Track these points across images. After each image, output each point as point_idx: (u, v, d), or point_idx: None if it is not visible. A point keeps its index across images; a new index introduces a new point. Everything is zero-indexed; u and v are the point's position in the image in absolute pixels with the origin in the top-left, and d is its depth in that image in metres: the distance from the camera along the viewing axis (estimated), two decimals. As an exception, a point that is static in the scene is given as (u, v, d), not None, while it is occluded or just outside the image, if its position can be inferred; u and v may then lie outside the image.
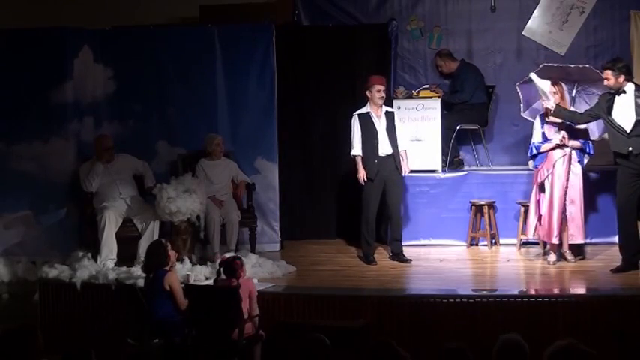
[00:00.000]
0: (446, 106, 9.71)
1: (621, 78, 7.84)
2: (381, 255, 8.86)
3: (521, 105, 8.67)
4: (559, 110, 8.15)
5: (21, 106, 9.20)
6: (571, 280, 7.94)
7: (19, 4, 10.19)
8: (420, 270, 8.44)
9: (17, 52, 9.22)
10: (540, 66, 8.49)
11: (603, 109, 7.98)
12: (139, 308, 7.06)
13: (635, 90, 7.88)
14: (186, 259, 8.23)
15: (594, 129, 8.46)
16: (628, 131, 7.85)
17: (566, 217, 8.24)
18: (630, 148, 7.86)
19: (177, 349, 6.55)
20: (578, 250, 8.45)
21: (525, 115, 8.72)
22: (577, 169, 8.32)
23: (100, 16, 9.94)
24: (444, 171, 9.52)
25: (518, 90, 8.63)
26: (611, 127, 7.95)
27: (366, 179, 8.52)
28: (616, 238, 8.76)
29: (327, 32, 9.84)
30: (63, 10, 10.04)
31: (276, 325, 6.86)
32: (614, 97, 7.92)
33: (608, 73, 7.87)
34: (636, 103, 7.81)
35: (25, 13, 10.13)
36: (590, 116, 8.15)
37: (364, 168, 8.51)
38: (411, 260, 8.58)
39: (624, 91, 7.88)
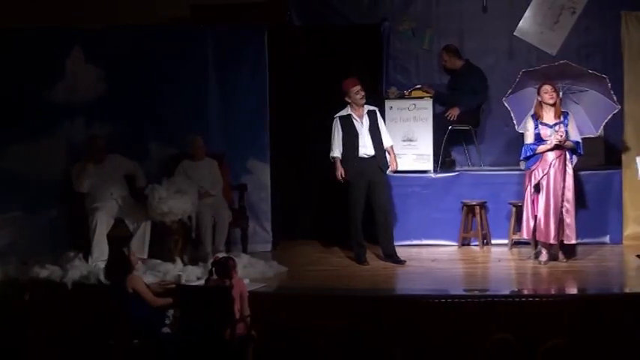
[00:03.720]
0: (440, 102, 9.72)
1: None
2: (374, 255, 8.84)
3: (514, 121, 8.64)
4: None
5: (12, 106, 9.17)
6: (562, 281, 7.95)
7: (9, 4, 10.14)
8: (411, 270, 8.43)
9: (8, 52, 9.19)
10: (520, 74, 8.49)
11: None
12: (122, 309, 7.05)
13: None
14: (178, 260, 8.22)
15: (587, 127, 8.50)
16: None
17: (562, 217, 8.26)
18: None
19: (156, 348, 6.56)
20: (569, 250, 8.47)
21: (506, 101, 8.66)
22: (571, 170, 8.35)
23: (92, 16, 9.90)
24: (435, 171, 9.52)
25: (506, 104, 8.63)
26: None
27: (344, 176, 8.53)
28: (606, 238, 9.08)
29: (320, 33, 9.84)
30: (54, 10, 10.00)
31: (268, 326, 6.85)
32: None
33: None
34: None
35: (16, 13, 10.09)
36: None
37: (346, 170, 8.54)
38: (405, 262, 8.57)
39: None
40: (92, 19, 9.73)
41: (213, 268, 6.86)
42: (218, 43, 9.40)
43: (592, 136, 8.64)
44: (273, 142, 9.48)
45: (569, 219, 8.30)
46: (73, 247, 8.59)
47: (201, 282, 7.35)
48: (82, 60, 9.33)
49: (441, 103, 9.77)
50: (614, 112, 8.48)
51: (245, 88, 9.40)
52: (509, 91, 8.57)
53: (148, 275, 7.76)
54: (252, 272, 8.03)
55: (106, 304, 7.00)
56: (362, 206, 8.59)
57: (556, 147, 8.25)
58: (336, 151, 8.60)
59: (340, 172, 8.55)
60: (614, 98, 8.44)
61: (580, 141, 8.35)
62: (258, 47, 9.35)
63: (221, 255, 7.46)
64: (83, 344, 6.82)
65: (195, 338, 6.60)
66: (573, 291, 7.77)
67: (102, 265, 8.11)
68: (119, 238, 8.24)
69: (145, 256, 8.37)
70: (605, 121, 8.55)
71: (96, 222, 8.43)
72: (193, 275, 7.89)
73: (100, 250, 8.34)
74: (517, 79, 8.48)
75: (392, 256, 8.66)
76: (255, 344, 6.70)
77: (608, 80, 8.39)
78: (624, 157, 8.99)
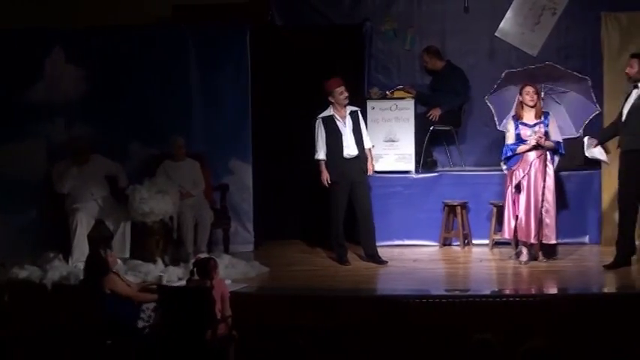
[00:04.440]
0: (421, 102, 9.74)
1: (636, 71, 7.95)
2: (355, 256, 8.84)
3: (495, 119, 8.69)
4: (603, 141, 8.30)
5: (-9, 106, 9.14)
6: (543, 280, 7.99)
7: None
8: (393, 270, 8.43)
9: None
10: (503, 74, 8.54)
11: (621, 105, 8.11)
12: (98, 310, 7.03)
13: None
14: (159, 260, 8.21)
15: (568, 127, 8.57)
16: (622, 124, 8.00)
17: (542, 217, 8.29)
18: (621, 145, 8.03)
19: (136, 349, 6.55)
20: (549, 250, 8.50)
21: (488, 100, 8.70)
22: (551, 170, 8.38)
23: (72, 16, 9.85)
24: (417, 171, 9.55)
25: (489, 103, 8.67)
26: (618, 120, 8.08)
27: (330, 181, 8.54)
28: (586, 239, 9.15)
29: (302, 33, 9.82)
30: (35, 10, 9.94)
31: (250, 326, 6.85)
32: (631, 91, 8.02)
33: (635, 61, 7.98)
34: (635, 97, 7.94)
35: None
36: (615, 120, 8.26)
37: (329, 170, 8.53)
38: (387, 262, 8.58)
39: (637, 86, 7.98)
40: (73, 20, 9.70)
41: (194, 269, 6.84)
42: (200, 43, 9.38)
43: (573, 136, 8.66)
44: (255, 142, 9.47)
45: (548, 219, 8.32)
46: (52, 247, 8.55)
47: (183, 282, 7.32)
48: (63, 60, 9.30)
49: (423, 103, 9.79)
50: (595, 114, 8.54)
51: (227, 88, 9.39)
52: (492, 90, 8.61)
53: (129, 276, 7.74)
54: (233, 273, 8.02)
55: (84, 304, 6.96)
56: (344, 207, 8.60)
57: (536, 147, 8.29)
58: (321, 154, 8.60)
59: (326, 176, 8.55)
60: (594, 100, 8.50)
61: (561, 141, 8.39)
62: (241, 47, 9.34)
63: (202, 255, 7.48)
64: (63, 345, 6.78)
65: (176, 339, 6.58)
66: (553, 291, 7.80)
67: (82, 265, 8.11)
68: (100, 239, 8.20)
69: (127, 256, 8.33)
70: (586, 122, 8.60)
71: (76, 223, 8.40)
72: (174, 276, 7.87)
73: (81, 251, 8.29)
74: (500, 79, 8.52)
75: (374, 257, 8.66)
76: (237, 345, 6.71)
77: (589, 82, 8.45)
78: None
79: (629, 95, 8.07)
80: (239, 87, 9.36)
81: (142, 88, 9.32)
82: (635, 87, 8.00)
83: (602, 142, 8.34)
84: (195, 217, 8.65)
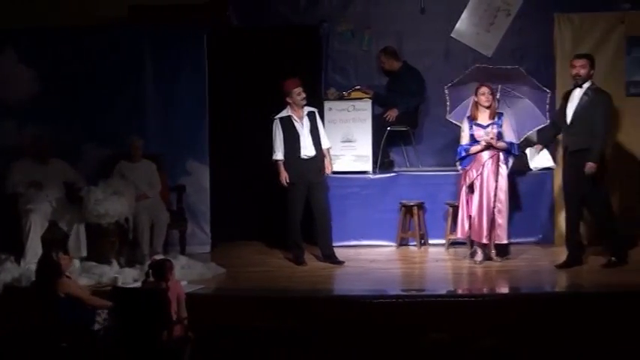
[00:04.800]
0: (378, 102, 9.77)
1: (592, 71, 8.05)
2: (312, 256, 8.85)
3: (447, 108, 8.75)
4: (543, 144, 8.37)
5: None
6: (497, 280, 8.06)
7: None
8: (350, 271, 8.45)
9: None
10: (472, 67, 8.60)
11: (562, 105, 8.17)
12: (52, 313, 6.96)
13: (588, 88, 8.05)
14: (114, 262, 8.15)
15: (529, 123, 8.61)
16: (567, 125, 8.06)
17: (494, 217, 8.34)
18: (567, 145, 8.07)
19: (91, 351, 6.51)
20: (503, 250, 8.57)
21: (450, 117, 8.81)
22: (504, 170, 8.43)
23: (25, 16, 9.74)
24: (374, 172, 9.56)
25: (447, 93, 8.71)
26: (562, 122, 8.14)
27: (288, 182, 8.54)
28: (539, 238, 9.26)
29: (259, 34, 9.80)
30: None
31: (206, 327, 6.82)
32: (571, 91, 8.11)
33: (581, 61, 8.05)
34: (582, 100, 7.99)
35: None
36: (557, 122, 8.33)
37: (287, 171, 8.54)
38: (343, 262, 8.60)
39: (581, 86, 8.05)
40: (26, 20, 9.58)
41: (150, 271, 6.80)
42: (156, 44, 9.35)
43: (543, 125, 8.65)
44: (213, 143, 9.45)
45: (500, 219, 8.38)
46: (4, 249, 8.44)
47: (138, 284, 7.27)
48: (15, 60, 9.21)
49: (380, 104, 9.82)
50: (541, 126, 8.60)
51: (184, 89, 9.36)
52: (448, 108, 8.72)
53: (83, 277, 7.69)
54: (190, 274, 7.99)
55: (37, 307, 6.90)
56: (301, 207, 8.61)
57: (488, 147, 8.35)
58: (279, 154, 8.59)
59: (284, 176, 8.55)
60: (547, 112, 8.53)
61: (514, 142, 8.45)
62: (198, 48, 9.33)
63: (158, 257, 7.41)
64: (16, 347, 6.71)
65: (132, 341, 6.56)
66: (506, 290, 7.86)
67: (34, 267, 8.03)
68: (53, 241, 8.11)
69: (84, 254, 8.26)
70: (530, 132, 8.70)
71: (30, 224, 8.31)
72: (130, 277, 7.83)
73: (34, 253, 8.17)
74: (467, 71, 8.60)
75: (330, 257, 8.68)
76: (193, 346, 6.67)
77: (549, 95, 8.53)
78: (557, 158, 8.95)
79: (568, 94, 8.13)
80: (196, 88, 9.34)
81: (96, 89, 9.25)
82: (578, 87, 8.07)
83: (546, 145, 8.40)
84: (152, 218, 8.60)
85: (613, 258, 8.15)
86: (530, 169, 8.61)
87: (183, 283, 7.28)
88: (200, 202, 9.38)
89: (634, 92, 9.19)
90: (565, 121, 8.12)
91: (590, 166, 7.93)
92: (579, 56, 8.21)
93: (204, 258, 8.80)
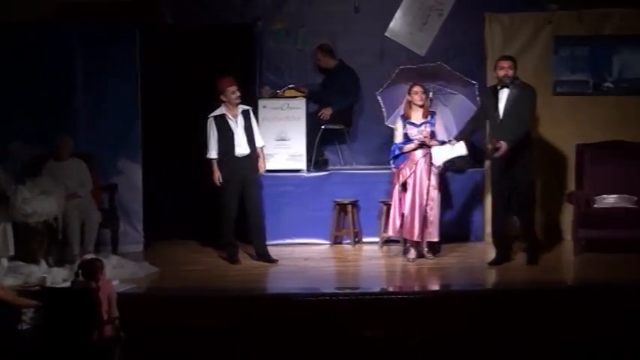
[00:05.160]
0: (313, 100, 9.78)
1: (515, 72, 8.12)
2: (246, 255, 8.83)
3: (384, 113, 8.77)
4: (463, 137, 8.38)
5: None
6: (429, 278, 8.12)
7: None
8: (284, 269, 8.46)
9: None
10: (397, 70, 8.65)
11: (490, 103, 8.21)
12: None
13: (516, 84, 8.13)
14: (42, 262, 8.03)
15: (452, 130, 8.65)
16: (500, 123, 8.11)
17: (426, 215, 8.40)
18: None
19: (19, 352, 6.43)
20: (435, 247, 8.64)
21: (389, 123, 8.84)
22: (436, 169, 8.47)
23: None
24: (308, 170, 9.57)
25: (379, 98, 8.77)
26: (491, 120, 8.20)
27: (221, 180, 8.51)
28: (470, 236, 9.36)
29: (193, 32, 9.75)
30: None
31: (138, 327, 6.75)
32: (498, 90, 8.16)
33: (510, 63, 8.11)
34: (511, 96, 8.06)
35: None
36: (480, 118, 8.39)
37: (220, 169, 8.51)
38: (277, 261, 8.60)
39: (507, 86, 8.12)
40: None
41: (79, 270, 6.70)
42: (87, 41, 9.24)
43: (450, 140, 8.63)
44: (146, 142, 9.39)
45: (432, 217, 8.44)
46: None
47: (67, 284, 7.18)
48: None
49: (315, 101, 9.81)
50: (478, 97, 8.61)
51: (116, 88, 9.28)
52: (384, 85, 8.70)
53: (10, 277, 7.57)
54: (122, 273, 7.93)
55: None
56: (235, 205, 8.58)
57: (421, 146, 8.41)
58: (213, 152, 8.55)
59: (217, 176, 8.52)
60: (477, 102, 8.59)
61: (446, 141, 8.48)
62: (130, 46, 9.27)
63: (89, 256, 7.34)
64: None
65: (61, 341, 6.47)
66: (438, 288, 7.95)
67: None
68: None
69: (11, 254, 8.10)
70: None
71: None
72: (59, 277, 7.71)
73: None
74: (393, 75, 8.62)
75: (264, 256, 8.67)
76: (124, 346, 6.61)
77: (477, 87, 8.60)
78: (486, 157, 9.13)
79: (495, 92, 8.16)
80: (129, 87, 9.28)
81: (25, 87, 9.09)
82: (506, 87, 8.13)
83: (462, 138, 8.38)
84: (82, 217, 8.50)
85: (529, 257, 8.28)
86: (461, 170, 8.75)
87: (115, 282, 7.17)
88: (133, 201, 9.31)
89: (560, 91, 9.35)
90: (496, 118, 8.19)
91: (501, 144, 7.92)
92: (507, 58, 8.28)
93: (136, 257, 8.74)
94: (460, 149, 8.28)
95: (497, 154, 8.00)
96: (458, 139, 8.32)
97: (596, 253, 8.54)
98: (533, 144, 8.28)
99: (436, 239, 8.54)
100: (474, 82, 8.63)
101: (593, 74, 9.33)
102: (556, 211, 9.24)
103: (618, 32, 9.26)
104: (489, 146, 8.23)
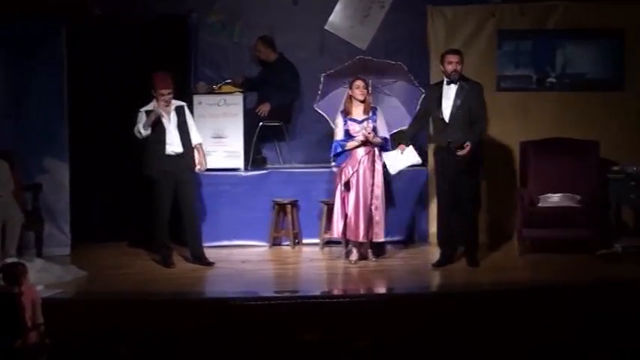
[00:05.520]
0: (249, 88, 9.65)
1: (461, 67, 8.05)
2: (181, 258, 8.68)
3: (330, 122, 8.68)
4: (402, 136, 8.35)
5: None
6: (372, 280, 8.10)
7: None
8: (220, 272, 8.33)
9: None
10: (322, 78, 8.59)
11: (434, 101, 8.12)
12: None
13: (462, 81, 8.06)
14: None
15: (403, 117, 8.62)
16: (447, 122, 8.04)
17: (372, 215, 8.32)
18: (450, 140, 8.02)
19: None
20: (379, 249, 8.60)
21: (317, 106, 8.74)
22: (379, 166, 8.41)
23: None
24: (246, 169, 9.46)
25: (319, 110, 8.71)
26: (437, 118, 8.11)
27: (152, 178, 8.34)
28: (414, 237, 9.33)
29: (124, 25, 9.54)
30: None
31: (64, 334, 6.59)
32: (442, 86, 8.08)
33: (457, 57, 8.05)
34: (458, 94, 8.00)
35: None
36: (424, 117, 8.30)
37: (152, 167, 8.33)
38: (213, 263, 8.48)
39: (453, 82, 8.04)
40: None
41: (1, 275, 6.55)
42: (9, 37, 8.97)
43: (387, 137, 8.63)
44: (74, 139, 9.16)
45: (377, 216, 8.36)
46: None
47: (-12, 290, 6.98)
48: None
49: (250, 89, 9.68)
50: (422, 97, 8.56)
51: (41, 84, 9.05)
52: (318, 97, 8.66)
53: None
54: (47, 277, 7.71)
55: None
56: (168, 206, 8.42)
57: (364, 143, 8.31)
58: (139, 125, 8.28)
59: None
60: (416, 84, 8.57)
61: (388, 137, 8.44)
62: (56, 40, 9.05)
63: (10, 260, 7.19)
64: None
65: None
66: (381, 290, 7.91)
67: None
68: None
69: None
70: (417, 107, 8.61)
71: None
72: (-22, 283, 7.41)
73: None
74: (321, 84, 8.59)
75: (200, 258, 8.52)
76: (50, 353, 6.45)
77: (404, 66, 8.54)
78: (430, 155, 9.03)
79: (439, 90, 8.11)
80: (54, 83, 9.05)
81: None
82: (452, 83, 8.07)
83: (411, 142, 8.33)
84: (3, 219, 8.15)
85: (469, 259, 8.24)
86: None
87: (40, 287, 7.02)
88: (59, 201, 9.06)
89: (504, 87, 9.30)
90: (441, 117, 8.09)
91: (467, 145, 7.90)
92: (454, 51, 8.21)
93: (63, 260, 8.54)
94: (413, 157, 8.24)
95: (461, 153, 7.93)
96: (405, 142, 8.24)
97: (541, 254, 8.55)
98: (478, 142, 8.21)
99: (382, 239, 8.48)
100: (399, 63, 8.57)
101: (537, 69, 9.30)
102: (503, 211, 9.21)
103: (562, 26, 9.26)
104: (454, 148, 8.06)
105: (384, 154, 8.30)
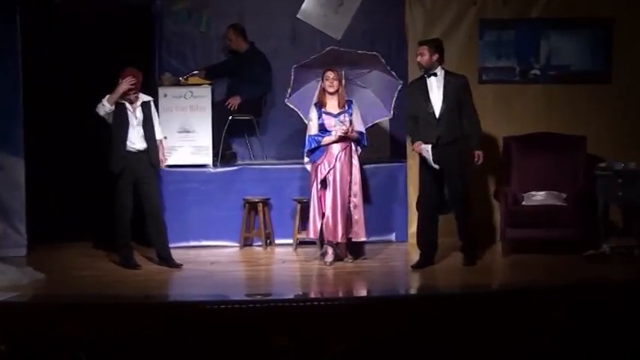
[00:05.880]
0: (212, 75, 9.45)
1: (435, 56, 7.86)
2: (146, 259, 8.45)
3: (302, 117, 8.49)
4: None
5: None
6: (348, 282, 7.93)
7: None
8: (189, 274, 8.14)
9: None
10: (292, 71, 8.40)
11: (420, 96, 7.92)
12: None
13: (447, 75, 7.90)
14: None
15: (380, 109, 8.46)
16: (437, 117, 7.87)
17: (350, 214, 8.17)
18: (439, 135, 7.85)
19: None
20: (356, 249, 8.43)
21: (288, 101, 8.55)
22: (357, 162, 8.27)
23: None
24: (215, 165, 9.28)
25: (291, 105, 8.53)
26: (427, 113, 7.91)
27: (114, 173, 8.09)
28: (392, 236, 9.14)
29: (84, 13, 9.22)
30: None
31: (21, 339, 6.24)
32: (425, 80, 7.91)
33: (424, 48, 7.90)
34: (445, 88, 7.84)
35: None
36: (416, 113, 8.04)
37: (113, 163, 8.10)
38: (181, 265, 8.27)
39: (435, 74, 7.88)
40: None
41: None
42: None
43: (387, 117, 8.61)
44: (31, 134, 8.91)
45: (357, 215, 8.23)
46: None
47: None
48: None
49: (214, 76, 9.46)
50: (399, 88, 8.41)
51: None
52: (289, 90, 8.50)
53: None
54: (1, 280, 7.52)
55: None
56: (130, 204, 8.20)
57: (342, 138, 8.13)
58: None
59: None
60: (394, 74, 8.40)
61: (364, 131, 8.33)
62: (9, 30, 8.79)
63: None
64: None
65: None
66: (359, 293, 7.81)
67: None
68: None
69: None
70: (395, 99, 8.46)
71: None
72: None
73: None
74: (292, 77, 8.42)
75: (167, 260, 8.30)
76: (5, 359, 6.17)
77: (380, 57, 8.36)
78: (409, 151, 8.89)
79: (423, 85, 7.91)
80: (7, 74, 8.80)
81: None
82: (430, 75, 7.88)
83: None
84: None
85: (466, 258, 8.10)
86: (386, 156, 8.69)
87: None
88: (13, 200, 8.78)
89: (486, 79, 9.13)
90: (430, 112, 7.90)
91: (479, 155, 7.93)
92: (420, 43, 8.08)
93: (19, 262, 8.33)
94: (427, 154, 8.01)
95: (480, 163, 7.99)
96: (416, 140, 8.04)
97: (526, 254, 8.40)
98: (464, 139, 8.04)
99: (363, 238, 8.35)
100: (375, 54, 8.38)
101: (520, 60, 9.13)
102: (485, 210, 9.04)
103: (546, 15, 9.09)
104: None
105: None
